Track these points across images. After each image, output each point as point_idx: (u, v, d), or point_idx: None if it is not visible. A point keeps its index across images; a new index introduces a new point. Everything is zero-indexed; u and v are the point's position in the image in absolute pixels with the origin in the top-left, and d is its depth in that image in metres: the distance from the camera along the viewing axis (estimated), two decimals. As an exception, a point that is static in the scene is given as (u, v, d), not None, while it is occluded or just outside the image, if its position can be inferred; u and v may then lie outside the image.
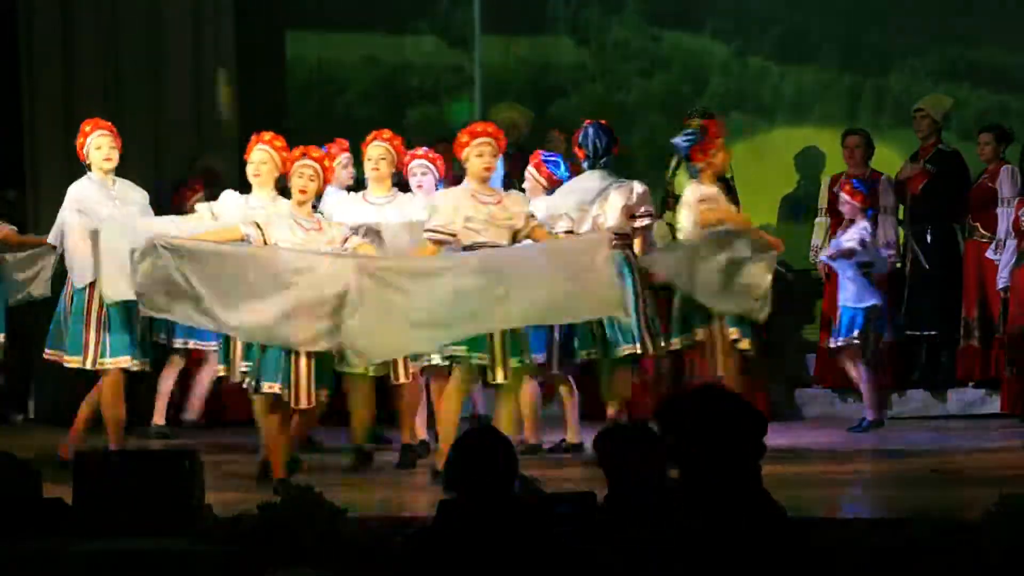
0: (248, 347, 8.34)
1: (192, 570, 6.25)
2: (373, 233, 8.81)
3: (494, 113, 12.33)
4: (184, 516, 6.58)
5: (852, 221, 10.48)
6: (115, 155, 8.95)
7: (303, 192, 8.34)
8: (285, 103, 13.22)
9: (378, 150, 8.86)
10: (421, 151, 9.43)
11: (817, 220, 11.43)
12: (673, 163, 11.90)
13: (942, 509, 6.61)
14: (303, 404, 8.10)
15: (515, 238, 8.34)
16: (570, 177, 9.54)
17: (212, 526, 6.47)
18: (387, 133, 8.93)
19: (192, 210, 9.49)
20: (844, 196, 10.52)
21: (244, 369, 8.36)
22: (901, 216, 11.30)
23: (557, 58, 13.15)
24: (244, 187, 9.13)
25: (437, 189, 9.21)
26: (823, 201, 11.53)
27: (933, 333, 11.19)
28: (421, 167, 9.33)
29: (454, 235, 8.26)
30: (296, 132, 13.09)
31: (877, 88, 12.73)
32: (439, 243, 8.31)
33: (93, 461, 7.01)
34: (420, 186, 9.25)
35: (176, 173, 11.51)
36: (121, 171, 9.17)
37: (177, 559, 6.29)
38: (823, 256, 10.70)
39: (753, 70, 12.87)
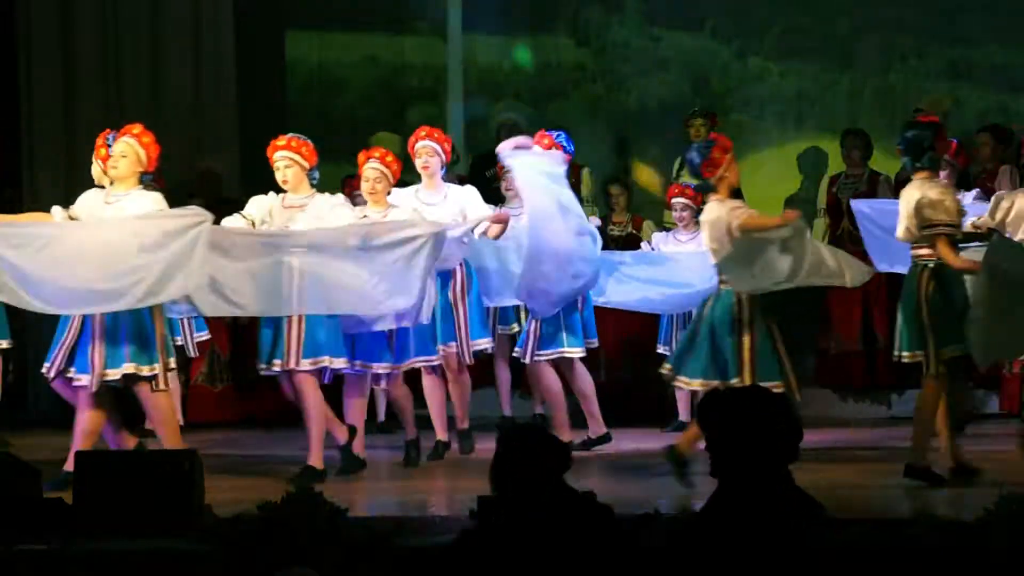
0: None
1: (192, 570, 6.25)
2: None
3: (495, 114, 12.34)
4: (184, 516, 6.58)
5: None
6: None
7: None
8: (285, 103, 13.22)
9: (120, 147, 8.33)
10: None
11: (816, 220, 11.44)
12: (676, 164, 11.93)
13: (942, 509, 6.61)
14: None
15: None
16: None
17: (212, 526, 6.48)
18: (137, 128, 8.40)
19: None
20: (684, 200, 10.50)
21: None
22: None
23: (557, 58, 13.14)
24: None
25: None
26: (822, 201, 11.53)
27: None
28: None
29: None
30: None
31: (877, 88, 12.73)
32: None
33: (93, 461, 7.01)
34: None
35: (176, 173, 11.53)
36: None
37: (177, 559, 6.29)
38: None
39: (753, 70, 12.87)
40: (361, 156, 8.92)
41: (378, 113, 12.91)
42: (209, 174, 11.51)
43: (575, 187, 11.90)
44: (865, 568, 5.89)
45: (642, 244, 10.90)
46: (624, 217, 11.50)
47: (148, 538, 6.42)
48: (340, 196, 8.73)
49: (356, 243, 8.26)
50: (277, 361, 8.33)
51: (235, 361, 11.39)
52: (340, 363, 8.43)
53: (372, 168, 8.84)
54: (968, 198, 9.99)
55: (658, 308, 10.45)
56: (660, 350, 10.69)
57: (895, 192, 11.15)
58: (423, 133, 9.20)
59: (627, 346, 11.40)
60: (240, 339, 11.34)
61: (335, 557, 6.10)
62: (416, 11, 13.26)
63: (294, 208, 8.50)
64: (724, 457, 4.39)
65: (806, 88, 12.81)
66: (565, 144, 9.50)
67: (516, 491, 4.93)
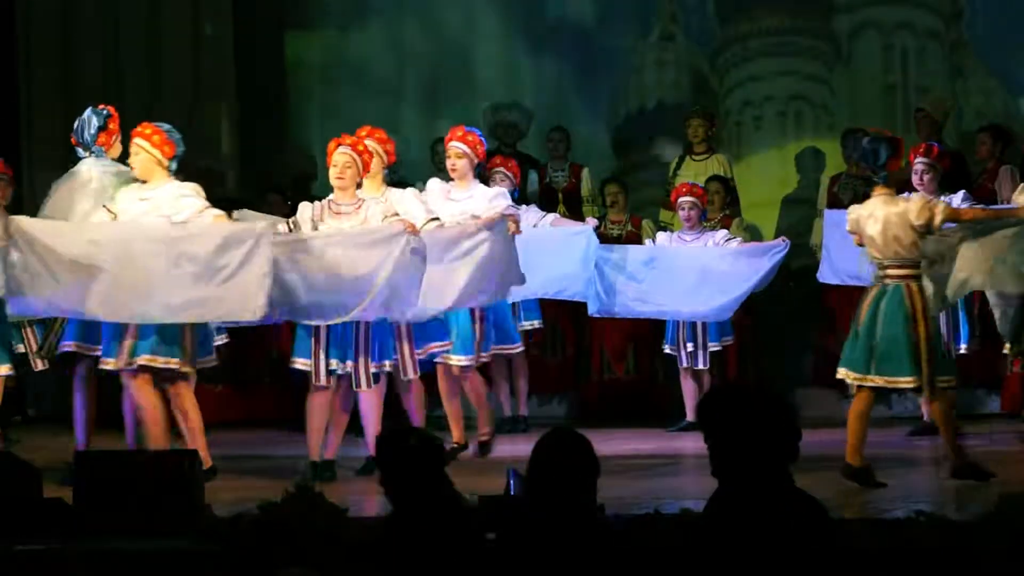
0: None
1: (192, 570, 6.25)
2: None
3: (494, 113, 12.33)
4: (184, 516, 6.58)
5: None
6: None
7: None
8: (285, 103, 13.21)
9: None
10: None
11: (816, 220, 11.42)
12: (674, 163, 11.92)
13: (942, 509, 6.61)
14: None
15: None
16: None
17: (212, 526, 6.48)
18: None
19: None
20: (692, 199, 10.51)
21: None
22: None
23: (556, 58, 13.12)
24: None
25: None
26: (823, 202, 11.52)
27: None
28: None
29: None
30: (296, 132, 13.13)
31: (877, 88, 12.71)
32: None
33: (93, 461, 7.01)
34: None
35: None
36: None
37: (177, 559, 6.29)
38: None
39: (752, 70, 12.85)
40: (331, 144, 8.62)
41: (378, 113, 12.89)
42: (209, 174, 11.49)
43: (575, 187, 11.94)
44: (865, 568, 5.89)
45: (645, 243, 10.86)
46: (622, 216, 11.49)
47: (148, 538, 6.42)
48: (190, 185, 8.46)
49: (176, 247, 8.06)
50: (109, 359, 8.20)
51: (234, 361, 11.37)
52: (174, 363, 8.22)
53: (341, 153, 8.52)
54: (956, 199, 10.00)
55: (703, 316, 10.40)
56: (667, 350, 10.68)
57: (897, 192, 11.14)
58: (365, 133, 8.88)
59: (631, 346, 11.39)
60: (239, 339, 11.33)
61: (335, 557, 6.10)
62: (416, 11, 13.25)
63: (145, 200, 8.34)
64: (724, 457, 4.38)
65: (805, 88, 12.79)
66: (483, 140, 9.41)
67: (400, 493, 4.96)
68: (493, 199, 9.04)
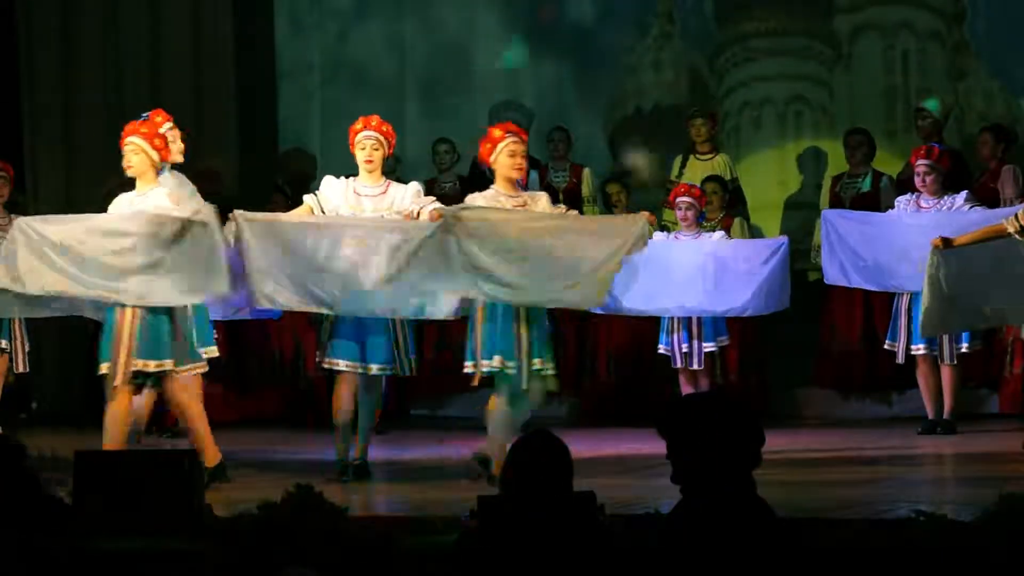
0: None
1: (192, 570, 6.25)
2: None
3: (495, 113, 12.34)
4: (184, 516, 6.58)
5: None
6: None
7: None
8: (285, 103, 13.21)
9: None
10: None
11: (818, 221, 11.42)
12: (678, 163, 11.92)
13: (942, 509, 6.61)
14: None
15: None
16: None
17: (212, 526, 6.48)
18: None
19: None
20: (689, 199, 10.50)
21: None
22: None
23: (556, 58, 13.13)
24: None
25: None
26: (825, 202, 11.51)
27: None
28: None
29: None
30: (296, 132, 13.14)
31: (877, 88, 12.71)
32: None
33: (93, 461, 7.01)
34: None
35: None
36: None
37: (177, 559, 6.29)
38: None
39: (752, 70, 12.85)
40: (359, 122, 8.53)
41: (378, 113, 12.89)
42: (209, 174, 11.49)
43: (575, 187, 11.94)
44: (865, 568, 5.88)
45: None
46: (624, 216, 11.50)
47: (148, 538, 6.42)
48: None
49: None
50: None
51: (234, 361, 11.39)
52: None
53: (368, 136, 8.47)
54: (959, 200, 9.99)
55: (707, 311, 10.40)
56: (661, 350, 10.66)
57: (898, 192, 11.15)
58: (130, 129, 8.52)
59: (629, 346, 11.39)
60: (239, 339, 11.36)
61: (335, 557, 6.10)
62: (416, 11, 13.26)
63: None
64: (684, 464, 4.35)
65: (805, 89, 12.79)
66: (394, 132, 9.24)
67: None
68: (417, 195, 8.56)
